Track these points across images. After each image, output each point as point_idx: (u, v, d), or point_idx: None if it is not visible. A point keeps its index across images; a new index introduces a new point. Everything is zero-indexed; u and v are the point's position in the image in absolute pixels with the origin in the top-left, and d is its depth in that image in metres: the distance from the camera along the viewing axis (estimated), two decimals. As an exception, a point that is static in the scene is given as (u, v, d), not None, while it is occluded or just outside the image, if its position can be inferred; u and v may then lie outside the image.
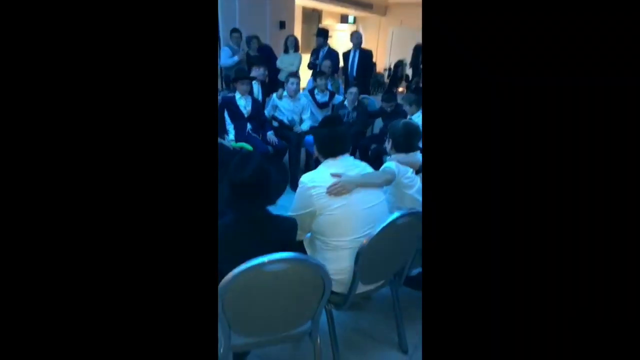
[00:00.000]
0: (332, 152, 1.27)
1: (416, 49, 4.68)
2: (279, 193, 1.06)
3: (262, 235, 1.01)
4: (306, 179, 1.22)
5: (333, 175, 1.21)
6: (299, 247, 1.31)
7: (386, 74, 6.17)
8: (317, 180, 1.21)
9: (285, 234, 1.08)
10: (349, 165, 1.28)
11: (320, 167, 1.28)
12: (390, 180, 1.40)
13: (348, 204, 1.19)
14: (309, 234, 1.32)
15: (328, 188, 1.17)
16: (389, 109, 3.20)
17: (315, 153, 1.34)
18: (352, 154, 3.22)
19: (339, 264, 1.21)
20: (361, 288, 1.29)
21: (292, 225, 1.10)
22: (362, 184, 1.23)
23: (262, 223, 1.03)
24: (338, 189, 1.18)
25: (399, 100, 3.22)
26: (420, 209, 1.33)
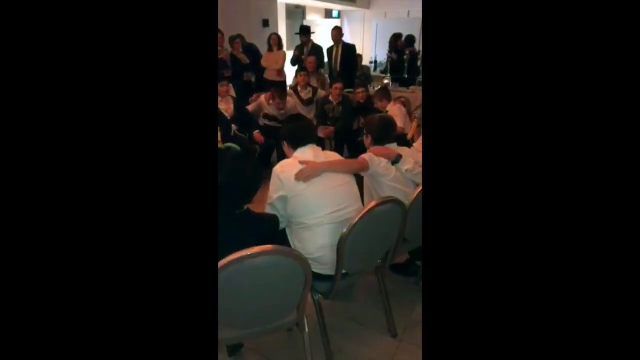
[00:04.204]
0: (298, 142, 1.37)
1: (394, 36, 4.67)
2: (253, 190, 1.09)
3: (243, 233, 1.04)
4: (277, 167, 1.31)
5: (301, 162, 1.29)
6: (283, 240, 1.35)
7: (372, 66, 6.19)
8: (286, 166, 1.30)
9: (266, 229, 1.11)
10: (318, 153, 1.37)
11: (292, 158, 1.37)
12: (358, 169, 1.48)
13: (316, 185, 1.27)
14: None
15: (296, 174, 1.25)
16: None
17: (285, 149, 1.43)
18: (339, 148, 3.27)
19: (316, 241, 1.28)
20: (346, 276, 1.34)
21: (273, 221, 1.13)
22: (328, 169, 1.32)
23: (243, 221, 1.07)
24: (305, 174, 1.25)
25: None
26: (397, 195, 1.38)
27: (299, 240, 1.32)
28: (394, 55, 4.51)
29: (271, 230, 1.14)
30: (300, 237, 1.32)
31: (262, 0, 5.55)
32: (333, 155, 1.43)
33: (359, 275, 1.43)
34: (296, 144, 1.37)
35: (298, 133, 1.39)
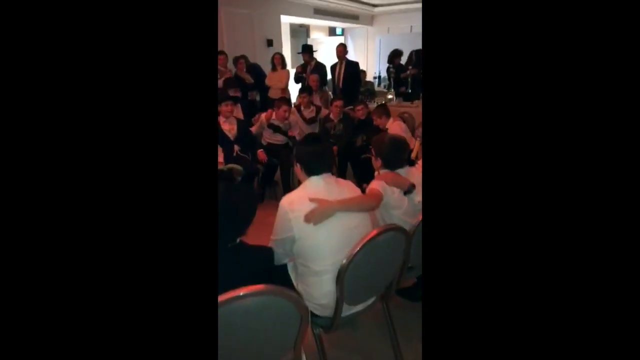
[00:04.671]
0: (314, 169, 1.23)
1: (393, 54, 4.69)
2: (248, 223, 1.04)
3: (235, 268, 0.99)
4: (285, 202, 1.18)
5: (312, 200, 1.15)
6: (281, 274, 1.28)
7: (376, 82, 6.20)
8: (296, 203, 1.17)
9: (260, 263, 1.06)
10: (332, 186, 1.23)
11: (301, 188, 1.24)
12: (374, 206, 1.34)
13: (328, 228, 1.15)
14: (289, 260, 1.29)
15: (306, 215, 1.12)
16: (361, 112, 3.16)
17: (297, 172, 1.29)
18: (343, 166, 3.22)
19: (322, 289, 1.18)
20: (349, 310, 1.27)
21: (268, 255, 1.08)
22: (344, 208, 1.18)
23: (235, 255, 1.01)
24: (316, 217, 1.13)
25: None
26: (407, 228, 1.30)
27: (303, 282, 1.22)
28: (396, 77, 4.53)
29: (266, 264, 1.08)
30: (305, 280, 1.22)
31: (266, 21, 5.66)
32: (347, 187, 1.28)
33: (363, 310, 1.34)
34: (311, 170, 1.23)
35: (315, 160, 1.23)
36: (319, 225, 1.13)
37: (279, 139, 3.23)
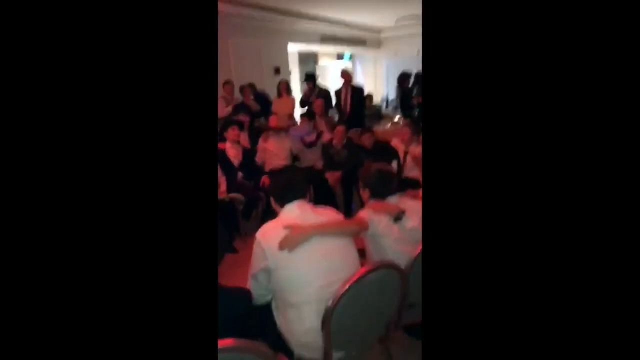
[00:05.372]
0: (284, 198, 1.21)
1: (402, 77, 4.66)
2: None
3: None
4: (259, 233, 1.13)
5: (286, 227, 1.10)
6: (262, 316, 1.19)
7: (384, 105, 6.20)
8: (269, 232, 1.12)
9: (236, 307, 0.98)
10: (307, 213, 1.18)
11: (277, 218, 1.20)
12: (356, 231, 1.27)
13: (303, 255, 1.08)
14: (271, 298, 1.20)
15: (280, 242, 1.07)
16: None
17: (272, 204, 1.28)
18: (349, 193, 3.13)
19: (303, 324, 1.08)
20: (340, 356, 1.15)
21: (244, 297, 1.00)
22: (320, 232, 1.12)
23: None
24: (289, 243, 1.07)
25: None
26: (403, 260, 1.21)
27: (285, 319, 1.13)
28: (402, 99, 4.52)
29: (242, 309, 1.00)
30: (286, 316, 1.13)
31: (274, 49, 5.80)
32: (327, 213, 1.23)
33: (356, 355, 1.22)
34: (282, 200, 1.21)
35: (284, 188, 1.21)
36: (294, 253, 1.07)
37: (280, 156, 3.21)
